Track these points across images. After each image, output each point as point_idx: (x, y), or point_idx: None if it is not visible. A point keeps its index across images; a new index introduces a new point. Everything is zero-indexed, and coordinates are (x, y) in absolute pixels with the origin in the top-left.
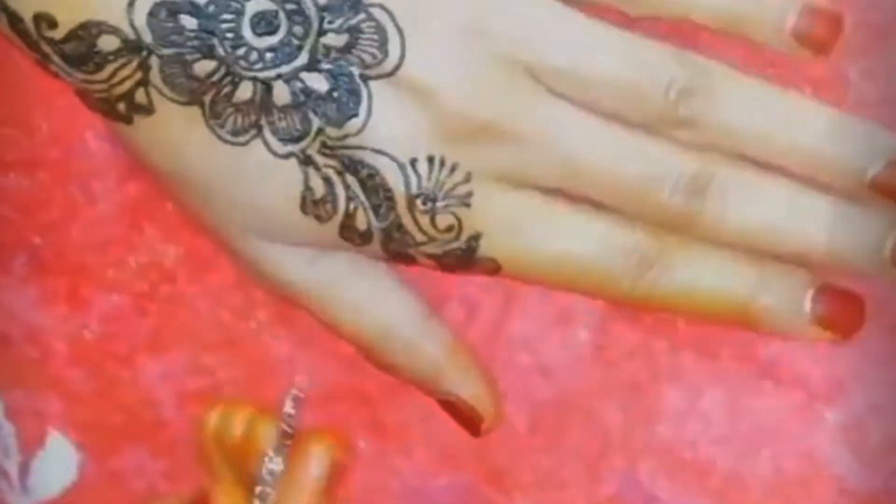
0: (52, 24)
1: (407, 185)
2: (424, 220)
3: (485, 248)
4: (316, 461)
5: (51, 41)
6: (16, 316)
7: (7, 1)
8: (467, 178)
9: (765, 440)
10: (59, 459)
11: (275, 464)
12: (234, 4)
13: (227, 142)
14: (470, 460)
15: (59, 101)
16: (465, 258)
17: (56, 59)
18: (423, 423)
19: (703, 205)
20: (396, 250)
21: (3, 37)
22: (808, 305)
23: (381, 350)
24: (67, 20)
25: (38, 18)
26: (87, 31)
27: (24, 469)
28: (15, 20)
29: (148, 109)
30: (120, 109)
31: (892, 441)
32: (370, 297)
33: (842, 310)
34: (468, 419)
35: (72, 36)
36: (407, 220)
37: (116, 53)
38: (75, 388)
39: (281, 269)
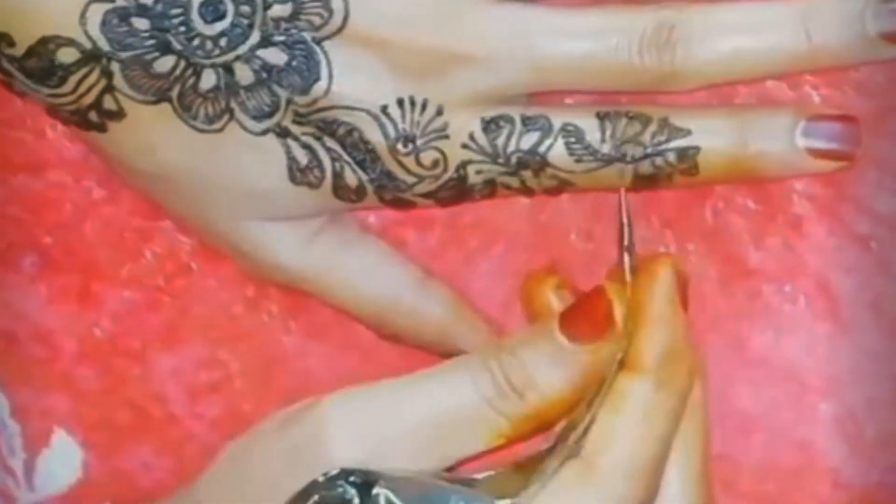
0: (11, 42)
1: (384, 132)
2: (410, 161)
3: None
4: (664, 274)
5: (12, 59)
6: (24, 315)
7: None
8: (440, 111)
9: (758, 432)
10: (65, 457)
11: None
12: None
13: (202, 131)
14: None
15: None
16: (460, 188)
17: (20, 76)
18: None
19: (674, 54)
20: (392, 197)
21: None
22: (800, 140)
23: (385, 319)
24: (24, 37)
25: None
26: (44, 47)
27: (30, 467)
28: None
29: (119, 114)
30: (92, 119)
31: (888, 435)
32: (367, 270)
33: (836, 134)
34: None
35: (31, 52)
36: (393, 166)
37: (77, 64)
38: (83, 385)
39: (277, 254)
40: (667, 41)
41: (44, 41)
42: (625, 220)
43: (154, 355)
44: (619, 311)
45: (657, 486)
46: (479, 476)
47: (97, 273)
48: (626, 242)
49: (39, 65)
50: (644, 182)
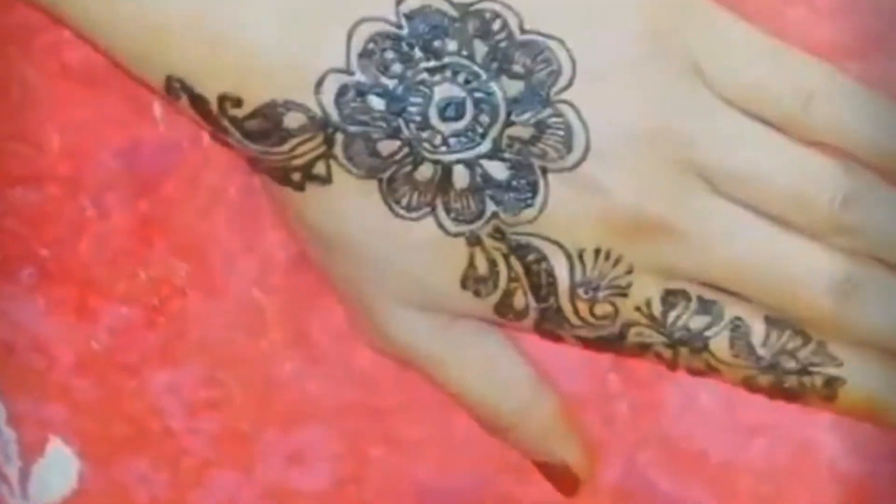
0: (237, 103)
1: (572, 273)
2: (583, 308)
3: (634, 336)
4: None
5: (234, 119)
6: (22, 326)
7: (190, 83)
8: (629, 270)
9: (756, 427)
10: (59, 467)
11: None
12: (423, 89)
13: (399, 216)
14: (490, 467)
15: (70, 116)
16: (615, 343)
17: (237, 135)
18: (438, 440)
19: (848, 307)
20: (548, 329)
21: (7, 51)
22: None
23: (492, 413)
24: (253, 99)
25: (223, 99)
26: (272, 110)
27: (25, 475)
28: (197, 100)
29: (325, 180)
30: (294, 178)
31: (886, 431)
32: (488, 362)
33: None
34: (567, 481)
35: (256, 114)
36: (566, 306)
37: (301, 130)
38: (80, 396)
39: (413, 336)
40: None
41: (272, 104)
42: None
43: (151, 371)
44: None
45: None
46: None
47: (94, 287)
48: None
49: (262, 126)
50: (780, 392)
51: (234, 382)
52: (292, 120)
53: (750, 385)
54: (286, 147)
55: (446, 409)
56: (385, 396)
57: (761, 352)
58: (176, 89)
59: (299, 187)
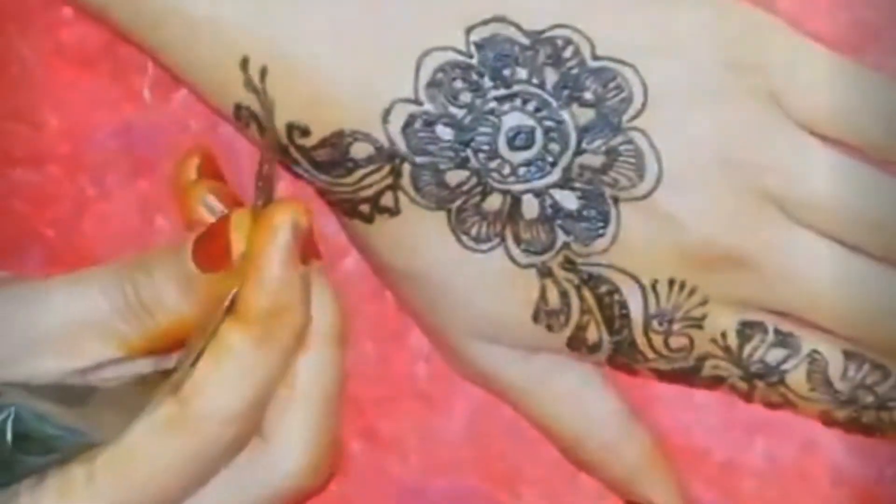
0: (305, 132)
1: (646, 305)
2: (658, 340)
3: (710, 368)
4: (281, 228)
5: (301, 148)
6: None
7: (259, 112)
8: (704, 301)
9: (759, 429)
10: None
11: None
12: (492, 118)
13: (468, 248)
14: (472, 462)
15: (69, 96)
16: (690, 375)
17: (305, 164)
18: (419, 433)
19: None
20: (622, 362)
21: (6, 29)
22: None
23: (579, 447)
24: (321, 129)
25: (291, 127)
26: (339, 139)
27: None
28: (266, 130)
29: (393, 211)
30: (363, 210)
31: None
32: (574, 395)
33: None
34: None
35: (324, 143)
36: (640, 339)
37: (368, 160)
38: None
39: (494, 367)
40: None
41: (340, 134)
42: (267, 157)
43: None
44: (238, 247)
45: (253, 425)
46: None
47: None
48: (262, 173)
49: (329, 156)
50: (858, 426)
51: None
52: (359, 150)
53: (826, 419)
54: (353, 178)
55: (427, 404)
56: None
57: (839, 386)
58: (245, 117)
59: (368, 219)
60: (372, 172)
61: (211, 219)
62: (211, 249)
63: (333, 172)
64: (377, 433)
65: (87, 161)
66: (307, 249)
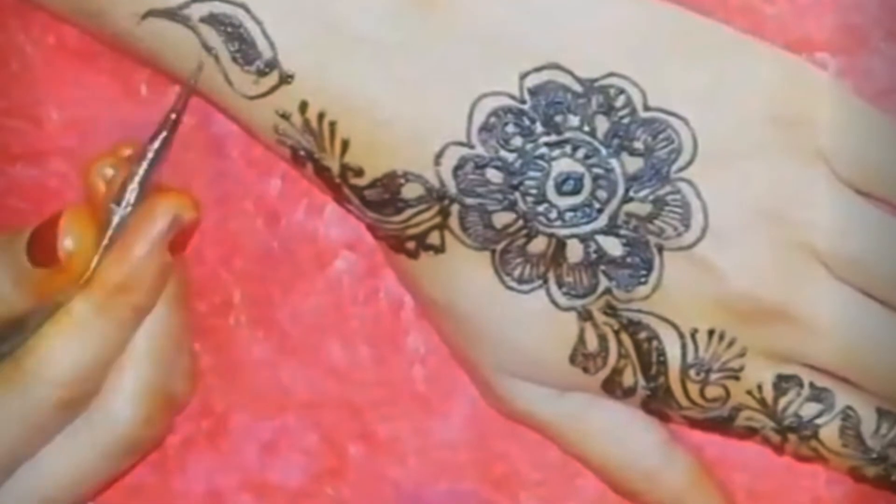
0: (359, 173)
1: (684, 353)
2: (694, 389)
3: (744, 419)
4: (161, 215)
5: (354, 187)
6: None
7: (314, 152)
8: (742, 353)
9: None
10: None
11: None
12: (541, 163)
13: (511, 288)
14: (470, 465)
15: (69, 91)
16: (723, 425)
17: (356, 202)
18: (416, 436)
19: None
20: (656, 407)
21: (7, 23)
22: None
23: (623, 478)
24: (374, 169)
25: (345, 168)
26: (391, 180)
27: None
28: (321, 168)
29: (438, 249)
30: (409, 247)
31: None
32: (612, 427)
33: None
34: None
35: (375, 183)
36: (676, 387)
37: (418, 200)
38: None
39: (530, 405)
40: None
41: (392, 175)
42: (156, 145)
43: None
44: (66, 245)
45: (89, 391)
46: None
47: None
48: (155, 144)
49: (381, 196)
50: (886, 483)
51: (206, 356)
52: (410, 190)
53: (856, 475)
54: (402, 217)
55: (424, 407)
56: (362, 391)
57: (871, 443)
58: (301, 157)
59: (413, 255)
60: (421, 212)
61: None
62: (41, 244)
63: (384, 211)
64: (374, 436)
65: (87, 156)
66: (179, 242)
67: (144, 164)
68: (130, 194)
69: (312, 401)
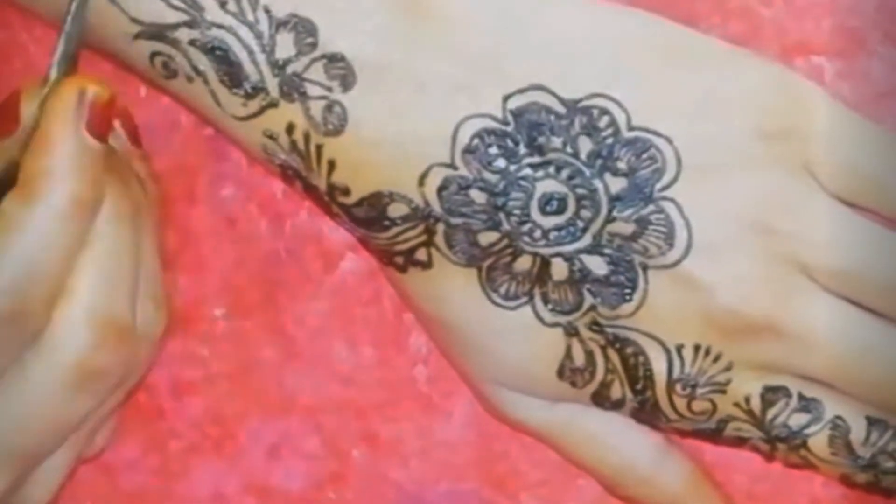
0: (346, 192)
1: (670, 369)
2: (681, 403)
3: (732, 430)
4: (66, 92)
5: (342, 205)
6: None
7: (302, 171)
8: (729, 367)
9: None
10: None
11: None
12: (524, 184)
13: (497, 304)
14: (472, 465)
15: None
16: (712, 435)
17: (344, 218)
18: (418, 436)
19: None
20: (643, 420)
21: (10, 21)
22: None
23: (620, 482)
24: (360, 189)
25: (332, 187)
26: (377, 200)
27: None
28: (309, 187)
29: (426, 265)
30: (397, 261)
31: None
32: (606, 434)
33: None
34: None
35: (362, 202)
36: (663, 401)
37: (404, 219)
38: None
39: (523, 414)
40: None
41: (378, 195)
42: (69, 21)
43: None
44: (27, 113)
45: (46, 291)
46: None
47: None
48: (63, 38)
49: (368, 214)
50: (876, 489)
51: (216, 362)
52: (396, 210)
53: (846, 482)
54: (389, 234)
55: (426, 408)
56: (365, 392)
57: (860, 451)
58: (289, 176)
59: (402, 270)
60: (407, 230)
61: None
62: (1, 115)
63: (371, 227)
64: (376, 437)
65: None
66: (100, 124)
67: (61, 41)
68: (50, 72)
69: (316, 404)
